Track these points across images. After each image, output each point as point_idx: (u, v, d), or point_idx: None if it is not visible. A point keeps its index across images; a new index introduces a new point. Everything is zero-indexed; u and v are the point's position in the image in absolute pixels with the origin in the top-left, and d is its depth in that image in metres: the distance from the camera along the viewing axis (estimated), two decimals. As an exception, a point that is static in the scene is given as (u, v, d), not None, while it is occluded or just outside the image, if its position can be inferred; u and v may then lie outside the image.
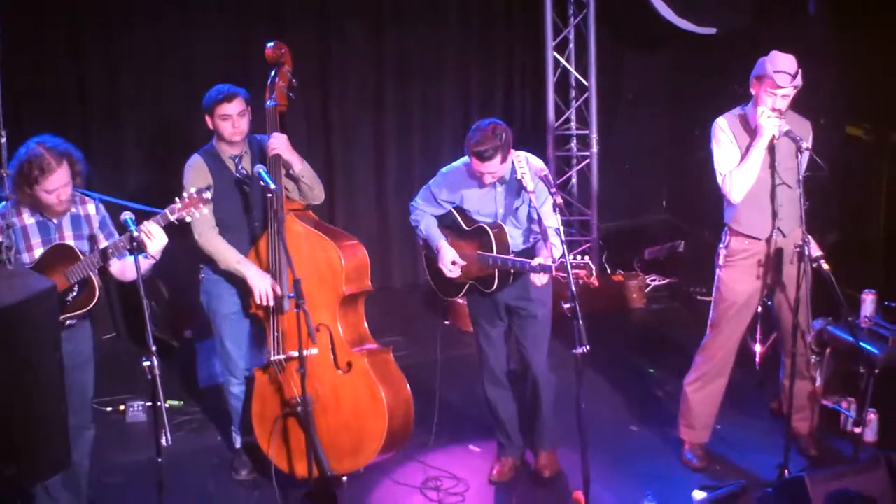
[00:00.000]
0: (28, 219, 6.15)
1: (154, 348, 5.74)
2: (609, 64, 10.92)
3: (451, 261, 6.93)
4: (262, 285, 6.87)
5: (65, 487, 6.46)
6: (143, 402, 8.01)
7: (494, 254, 6.79)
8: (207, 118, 7.01)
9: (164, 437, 5.81)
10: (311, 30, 9.89)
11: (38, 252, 6.12)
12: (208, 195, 6.18)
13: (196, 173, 6.98)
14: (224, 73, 8.50)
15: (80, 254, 6.12)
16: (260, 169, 6.72)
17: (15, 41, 8.06)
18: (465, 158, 6.90)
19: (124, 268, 6.27)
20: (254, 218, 7.05)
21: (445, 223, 7.08)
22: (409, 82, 10.52)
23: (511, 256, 6.75)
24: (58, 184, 6.03)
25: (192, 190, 6.17)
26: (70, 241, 6.19)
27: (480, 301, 7.08)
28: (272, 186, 6.60)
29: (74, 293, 6.13)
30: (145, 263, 6.21)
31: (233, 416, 7.41)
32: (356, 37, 10.23)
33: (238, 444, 7.47)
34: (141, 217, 6.08)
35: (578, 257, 6.32)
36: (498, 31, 10.87)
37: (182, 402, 8.28)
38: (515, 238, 6.91)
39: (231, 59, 9.48)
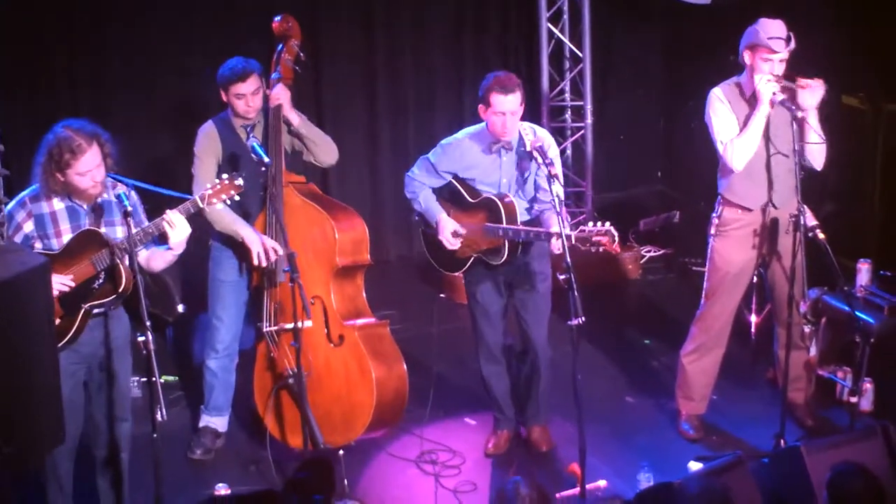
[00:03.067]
0: (57, 204, 6.06)
1: (149, 323, 5.72)
2: (603, 35, 10.89)
3: (451, 232, 6.88)
4: (257, 245, 6.86)
5: (111, 488, 6.47)
6: (137, 378, 7.99)
7: (504, 224, 6.73)
8: (222, 92, 7.04)
9: (159, 413, 5.79)
10: (301, 4, 9.80)
11: (67, 237, 6.03)
12: (240, 181, 6.15)
13: (208, 140, 7.07)
14: (221, 50, 8.44)
15: (107, 240, 6.03)
16: (253, 142, 6.73)
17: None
18: (468, 129, 6.92)
19: (150, 257, 6.24)
20: (258, 187, 7.06)
21: (445, 196, 7.02)
22: (402, 55, 10.45)
23: (525, 227, 6.70)
24: (90, 165, 5.93)
25: (225, 176, 6.15)
26: (100, 228, 6.10)
27: (480, 276, 7.03)
28: (266, 160, 6.61)
29: (101, 280, 6.04)
30: (167, 255, 6.19)
31: (205, 392, 7.42)
32: (347, 10, 10.15)
33: (202, 424, 7.45)
34: (171, 204, 6.06)
35: (599, 224, 6.31)
36: (492, 3, 10.80)
37: (177, 378, 8.28)
38: (520, 209, 6.87)
39: (226, 36, 9.39)
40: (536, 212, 6.88)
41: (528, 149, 6.64)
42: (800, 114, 6.72)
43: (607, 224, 6.32)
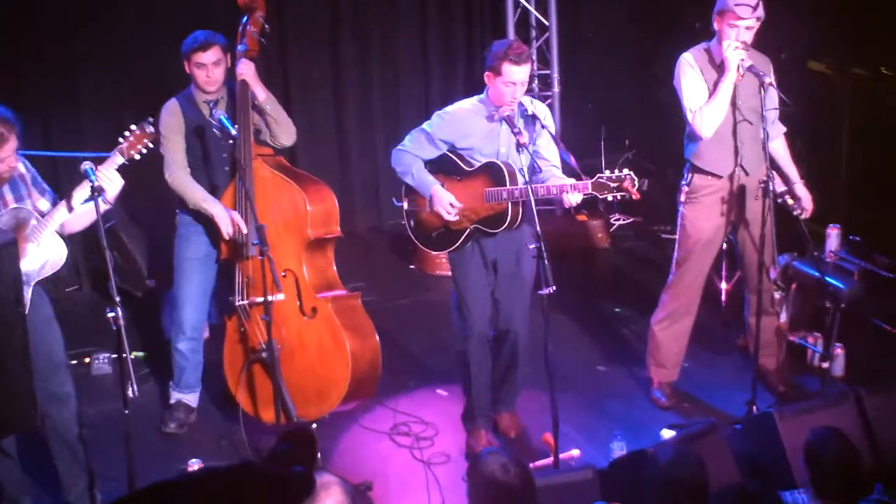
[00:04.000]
0: None
1: (118, 299, 5.69)
2: (570, 3, 10.86)
3: (448, 202, 6.71)
4: (226, 221, 6.85)
5: (59, 459, 6.39)
6: (108, 355, 7.96)
7: (507, 187, 6.59)
8: (185, 63, 7.01)
9: (130, 389, 5.76)
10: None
11: None
12: (150, 129, 6.14)
13: (169, 116, 7.05)
14: (187, 22, 8.37)
15: (35, 215, 6.01)
16: (220, 115, 6.79)
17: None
18: (464, 101, 6.82)
19: (73, 219, 6.17)
20: (224, 161, 7.04)
21: (437, 168, 6.84)
22: (366, 23, 10.39)
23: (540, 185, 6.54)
24: (10, 151, 5.88)
25: (133, 126, 6.12)
26: (10, 205, 6.03)
27: (468, 255, 6.85)
28: (232, 132, 6.62)
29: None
30: (100, 208, 6.13)
31: (175, 372, 7.38)
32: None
33: (173, 400, 7.42)
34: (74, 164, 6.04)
35: (616, 171, 6.29)
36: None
37: (146, 353, 8.23)
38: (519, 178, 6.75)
39: (191, 7, 9.31)
40: (538, 179, 6.63)
41: (530, 113, 6.59)
42: (767, 80, 6.72)
43: (625, 170, 6.31)
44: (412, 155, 6.83)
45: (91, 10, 9.13)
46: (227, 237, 6.87)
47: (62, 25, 9.07)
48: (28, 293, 5.91)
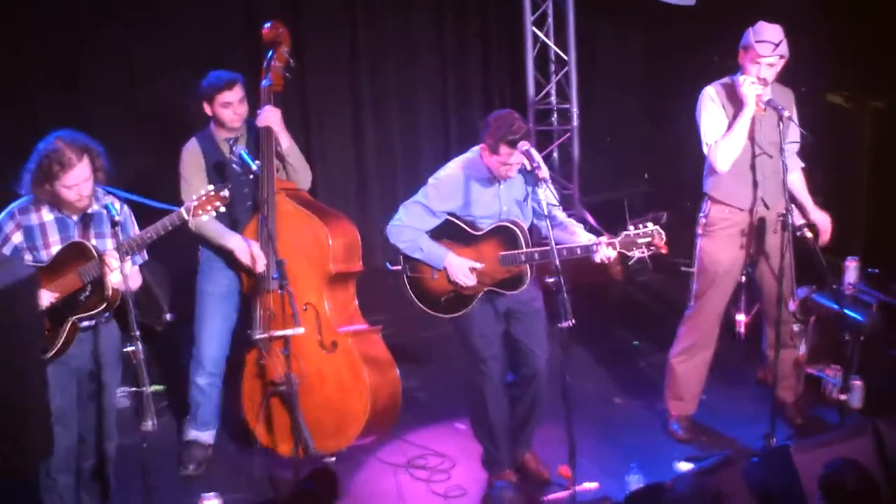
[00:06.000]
0: (47, 215, 6.02)
1: (137, 333, 5.71)
2: (587, 38, 10.90)
3: (468, 268, 6.59)
4: (245, 254, 6.90)
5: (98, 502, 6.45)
6: (126, 388, 7.98)
7: (525, 249, 6.48)
8: (205, 104, 7.05)
9: (149, 423, 5.77)
10: (284, 6, 9.74)
11: (56, 249, 5.99)
12: (226, 193, 6.11)
13: (191, 157, 7.07)
14: (203, 59, 8.43)
15: (94, 252, 5.99)
16: (241, 150, 6.82)
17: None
18: (459, 161, 6.69)
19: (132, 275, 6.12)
20: (246, 197, 7.07)
21: (441, 234, 6.69)
22: (385, 61, 10.41)
23: (565, 245, 6.41)
24: (78, 179, 5.89)
25: (210, 187, 6.13)
26: (90, 240, 6.05)
27: (480, 313, 6.71)
28: (253, 168, 6.64)
29: (87, 293, 6.00)
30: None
31: (191, 407, 7.38)
32: (330, 16, 10.12)
33: (189, 437, 7.40)
34: (160, 215, 6.06)
35: (641, 226, 6.24)
36: (473, 9, 10.79)
37: (165, 387, 8.25)
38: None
39: (205, 45, 9.36)
40: (546, 230, 6.32)
41: (529, 168, 6.34)
42: (786, 114, 6.74)
43: (650, 224, 6.27)
44: (413, 229, 6.66)
45: (106, 43, 9.14)
46: (253, 269, 6.90)
47: (73, 59, 9.07)
48: (66, 326, 5.95)
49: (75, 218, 6.07)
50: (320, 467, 6.33)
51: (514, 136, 6.30)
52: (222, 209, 6.15)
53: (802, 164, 7.29)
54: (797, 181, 7.26)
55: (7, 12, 8.60)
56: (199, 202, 6.08)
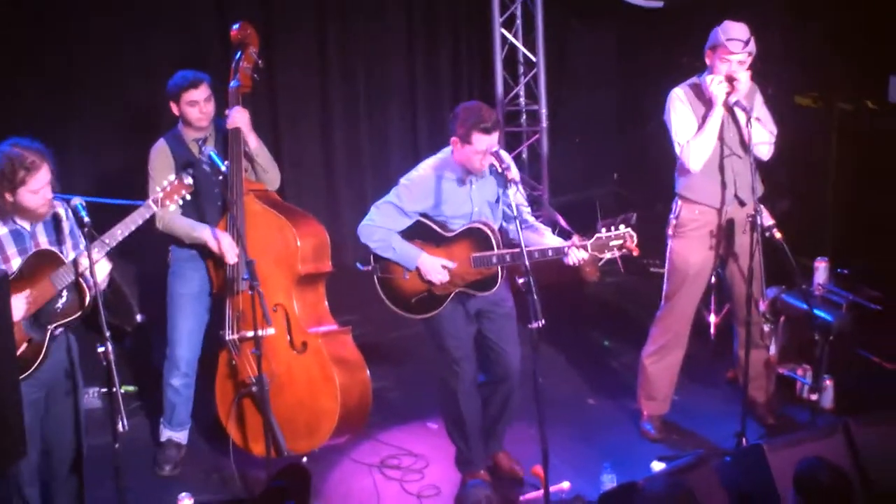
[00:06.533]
0: (0, 229, 5.87)
1: (108, 334, 5.68)
2: (556, 39, 10.92)
3: (441, 266, 6.58)
4: (214, 243, 6.88)
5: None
6: (97, 389, 7.94)
7: (496, 251, 6.49)
8: (172, 104, 7.03)
9: (120, 423, 5.73)
10: (254, 7, 9.72)
11: (16, 262, 5.85)
12: (190, 180, 6.10)
13: (159, 157, 7.04)
14: (177, 58, 8.39)
15: (63, 258, 5.92)
16: (210, 151, 6.80)
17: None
18: (429, 162, 6.68)
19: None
20: (216, 197, 7.05)
21: (412, 234, 6.67)
22: (354, 62, 10.40)
23: (536, 248, 6.41)
24: (44, 181, 5.79)
25: (172, 177, 6.10)
26: (50, 247, 5.97)
27: (452, 314, 6.71)
28: (222, 168, 6.64)
29: (63, 299, 5.92)
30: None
31: (166, 408, 7.35)
32: (300, 16, 10.10)
33: (164, 438, 7.39)
34: (122, 213, 6.00)
35: (612, 228, 6.24)
36: (442, 10, 10.79)
37: (136, 388, 8.22)
38: None
39: (177, 43, 9.32)
40: (515, 233, 6.32)
41: (500, 171, 6.31)
42: (754, 115, 6.77)
43: (621, 227, 6.27)
44: (384, 229, 6.65)
45: (86, 43, 9.11)
46: (225, 259, 6.86)
47: (39, 67, 9.02)
48: (46, 335, 5.89)
49: (29, 228, 5.94)
50: (290, 465, 6.31)
51: (485, 123, 6.32)
52: (188, 197, 6.14)
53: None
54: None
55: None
56: (165, 192, 6.06)
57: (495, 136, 6.40)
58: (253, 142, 7.01)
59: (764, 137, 7.02)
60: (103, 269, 6.02)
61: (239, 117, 6.95)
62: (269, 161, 7.15)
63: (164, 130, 7.21)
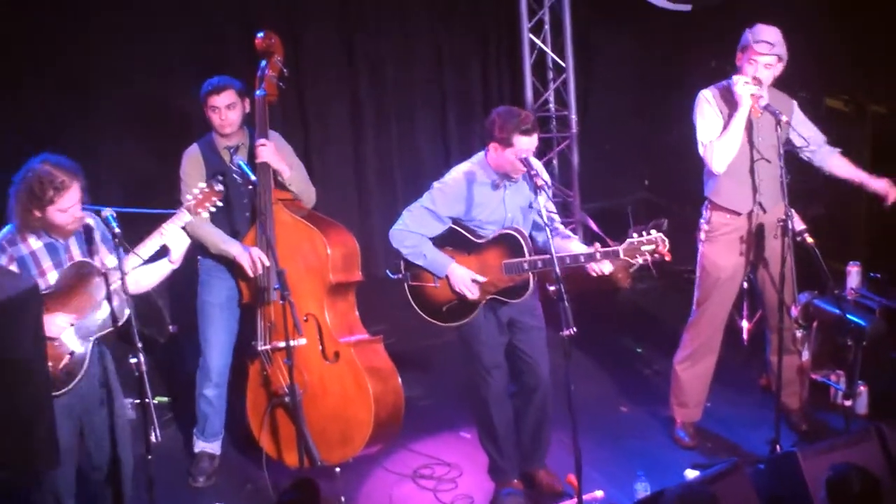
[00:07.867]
0: (35, 243, 5.90)
1: (140, 345, 5.70)
2: (583, 44, 10.88)
3: (470, 279, 6.57)
4: (246, 259, 6.86)
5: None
6: (130, 400, 7.95)
7: (528, 257, 6.48)
8: (204, 109, 7.05)
9: (152, 434, 5.76)
10: (281, 16, 9.71)
11: (52, 275, 5.89)
12: (220, 187, 6.15)
13: (191, 162, 7.08)
14: (202, 67, 8.40)
15: (99, 269, 5.94)
16: (239, 161, 6.80)
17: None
18: (462, 167, 6.66)
19: (138, 277, 6.10)
20: (245, 207, 7.07)
21: (444, 242, 6.67)
22: (383, 70, 10.36)
23: (567, 254, 6.43)
24: (73, 201, 5.81)
25: (203, 184, 6.15)
26: (85, 258, 6.00)
27: (484, 323, 6.70)
28: (252, 178, 6.64)
29: (102, 310, 5.94)
30: (164, 269, 6.15)
31: (199, 419, 7.38)
32: (327, 22, 10.08)
33: (197, 449, 7.41)
34: (154, 223, 6.03)
35: (644, 233, 6.23)
36: (470, 17, 10.77)
37: (169, 399, 8.24)
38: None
39: (201, 53, 9.33)
40: (545, 239, 6.31)
41: (530, 177, 6.31)
42: (784, 118, 6.74)
43: (653, 232, 6.26)
44: (417, 235, 6.64)
45: (99, 55, 9.08)
46: (251, 275, 6.88)
47: (67, 73, 8.96)
48: (87, 347, 5.93)
49: (63, 241, 5.98)
50: (299, 479, 6.31)
51: (526, 125, 6.36)
52: (220, 204, 6.18)
53: (838, 149, 7.27)
54: (842, 165, 7.29)
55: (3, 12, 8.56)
56: (197, 200, 6.09)
57: (535, 137, 6.43)
58: (286, 171, 6.97)
59: (811, 133, 7.00)
60: (181, 245, 6.07)
61: (265, 153, 6.90)
62: (304, 184, 7.16)
63: (191, 134, 7.23)
